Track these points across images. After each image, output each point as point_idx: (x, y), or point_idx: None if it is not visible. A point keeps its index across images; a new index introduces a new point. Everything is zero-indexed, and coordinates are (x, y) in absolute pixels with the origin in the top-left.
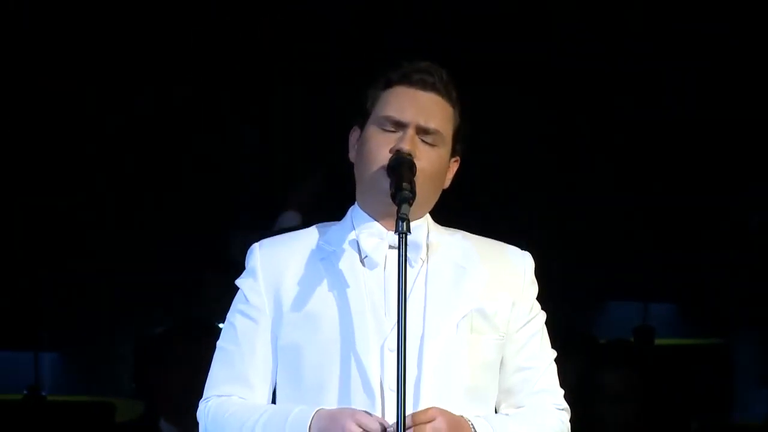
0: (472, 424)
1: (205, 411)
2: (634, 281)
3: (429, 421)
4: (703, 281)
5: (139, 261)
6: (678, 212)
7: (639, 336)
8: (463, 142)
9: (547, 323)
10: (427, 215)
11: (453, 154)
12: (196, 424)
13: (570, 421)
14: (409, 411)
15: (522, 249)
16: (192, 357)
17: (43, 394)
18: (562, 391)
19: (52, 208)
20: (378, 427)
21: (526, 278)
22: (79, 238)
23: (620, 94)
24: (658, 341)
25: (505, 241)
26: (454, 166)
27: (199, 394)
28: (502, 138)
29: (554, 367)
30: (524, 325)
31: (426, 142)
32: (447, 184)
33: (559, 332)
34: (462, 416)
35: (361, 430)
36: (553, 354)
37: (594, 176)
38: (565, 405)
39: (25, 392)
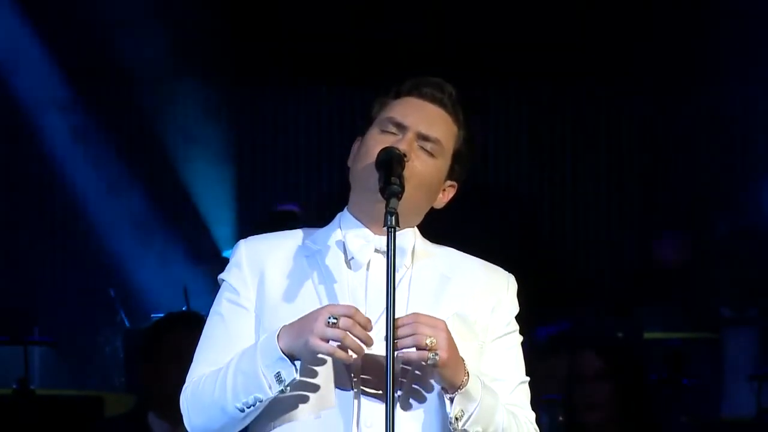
0: (464, 362)
1: (185, 394)
2: (625, 275)
3: (432, 324)
4: (695, 276)
5: (131, 257)
6: (672, 207)
7: (627, 330)
8: (464, 169)
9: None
10: (415, 228)
11: (451, 176)
12: None
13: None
14: (381, 409)
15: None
16: (181, 351)
17: (32, 387)
18: (534, 414)
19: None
20: (350, 310)
21: (508, 294)
22: (73, 233)
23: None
24: (647, 335)
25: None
26: (450, 191)
27: None
28: (497, 137)
29: (527, 389)
30: (501, 337)
31: (424, 149)
32: (440, 204)
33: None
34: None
35: (334, 320)
36: (527, 378)
37: (590, 173)
38: (536, 428)
39: (14, 386)
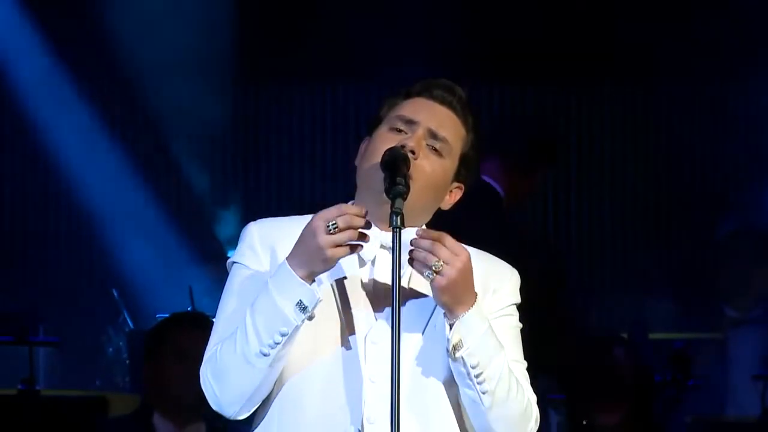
0: (476, 298)
1: (204, 370)
2: (630, 276)
3: (454, 251)
4: (700, 276)
5: (135, 257)
6: (674, 206)
7: (634, 330)
8: (471, 173)
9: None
10: (423, 227)
11: (457, 178)
12: (191, 418)
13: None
14: (387, 401)
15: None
16: (186, 351)
17: (37, 388)
18: (536, 397)
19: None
20: (340, 208)
21: (510, 283)
22: (76, 233)
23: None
24: (652, 335)
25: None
26: (457, 192)
27: (194, 388)
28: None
29: (525, 372)
30: (497, 318)
31: (433, 148)
32: (447, 206)
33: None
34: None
35: (335, 224)
36: (525, 362)
37: (591, 173)
38: (536, 410)
39: (19, 386)
